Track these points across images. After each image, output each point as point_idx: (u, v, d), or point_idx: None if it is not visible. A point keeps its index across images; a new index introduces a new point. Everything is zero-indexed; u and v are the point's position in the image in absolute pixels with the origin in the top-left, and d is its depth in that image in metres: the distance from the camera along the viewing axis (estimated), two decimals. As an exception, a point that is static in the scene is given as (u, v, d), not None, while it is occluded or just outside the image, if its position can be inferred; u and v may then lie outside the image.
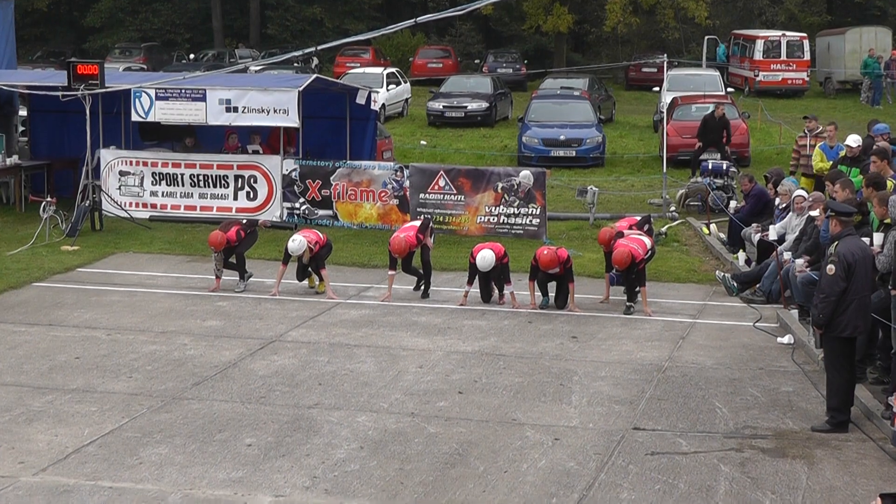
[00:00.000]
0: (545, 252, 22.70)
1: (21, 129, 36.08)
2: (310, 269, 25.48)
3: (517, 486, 15.36)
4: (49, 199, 30.88)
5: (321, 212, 31.85)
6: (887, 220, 18.46)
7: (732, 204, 29.96)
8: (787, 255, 22.63)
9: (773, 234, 24.41)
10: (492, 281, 24.15)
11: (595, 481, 15.46)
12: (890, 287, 17.30)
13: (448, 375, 19.49)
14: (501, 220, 30.00)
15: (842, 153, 28.79)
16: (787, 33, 67.04)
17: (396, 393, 18.77)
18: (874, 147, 25.68)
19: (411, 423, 17.44)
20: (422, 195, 31.17)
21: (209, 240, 24.25)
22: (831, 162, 28.63)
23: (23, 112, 36.17)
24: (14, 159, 34.29)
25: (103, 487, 15.46)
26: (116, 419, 17.96)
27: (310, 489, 15.36)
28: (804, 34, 67.41)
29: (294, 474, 15.81)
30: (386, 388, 18.95)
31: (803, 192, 24.35)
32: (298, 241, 24.64)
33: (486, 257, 22.81)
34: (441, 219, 30.72)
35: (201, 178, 32.13)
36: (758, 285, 23.82)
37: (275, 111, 31.86)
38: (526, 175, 30.86)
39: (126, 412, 18.22)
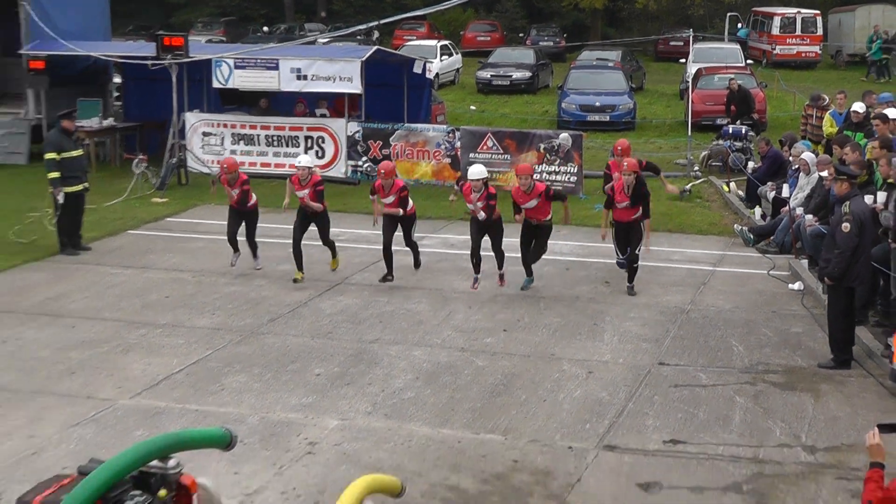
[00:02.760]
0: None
1: (115, 94, 36.15)
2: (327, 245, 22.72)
3: (555, 413, 15.52)
4: (141, 156, 31.00)
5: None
6: (890, 180, 18.50)
7: (750, 164, 29.76)
8: (798, 211, 22.62)
9: (786, 191, 24.37)
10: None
11: (624, 410, 15.60)
12: (890, 241, 17.37)
13: (494, 315, 19.56)
14: (543, 178, 29.75)
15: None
16: (802, 10, 66.36)
17: (448, 330, 18.86)
18: (875, 112, 25.82)
19: (461, 356, 17.57)
20: (471, 154, 31.09)
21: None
22: (838, 125, 28.62)
23: (117, 79, 36.21)
24: (110, 121, 34.49)
25: (190, 410, 15.70)
26: (201, 351, 18.17)
27: (371, 414, 15.60)
28: (818, 11, 66.91)
29: (357, 401, 16.03)
30: (438, 326, 19.05)
31: (811, 156, 24.27)
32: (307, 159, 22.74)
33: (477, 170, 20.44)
34: (489, 175, 30.44)
35: (275, 138, 32.19)
36: (772, 237, 23.75)
37: (340, 79, 31.92)
38: (565, 137, 30.85)
39: (210, 344, 18.43)
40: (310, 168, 22.08)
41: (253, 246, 22.76)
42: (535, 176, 29.62)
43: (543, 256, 22.71)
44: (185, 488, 11.35)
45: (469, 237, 20.81)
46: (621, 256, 18.92)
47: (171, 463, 11.40)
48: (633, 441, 14.65)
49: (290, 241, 22.16)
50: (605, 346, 18.31)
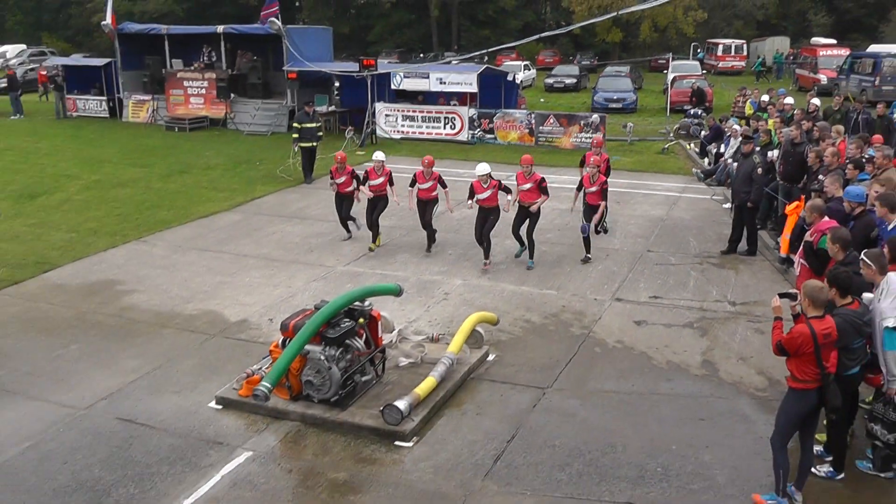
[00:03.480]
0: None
1: (336, 92, 36.23)
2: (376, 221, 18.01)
3: (587, 278, 15.57)
4: (350, 127, 31.26)
5: (487, 136, 31.68)
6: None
7: (702, 133, 29.45)
8: (729, 161, 22.24)
9: (723, 149, 24.04)
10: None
11: (626, 278, 15.57)
12: (778, 178, 17.81)
13: (552, 220, 19.35)
14: (582, 140, 29.66)
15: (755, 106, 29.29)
16: (735, 40, 66.98)
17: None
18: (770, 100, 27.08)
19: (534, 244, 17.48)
20: (541, 127, 30.86)
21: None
22: (754, 109, 28.50)
23: (336, 84, 36.29)
24: (332, 108, 34.70)
25: (377, 273, 15.88)
26: (384, 239, 18.22)
27: (481, 277, 15.73)
28: (744, 40, 67.36)
29: (473, 269, 16.13)
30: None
31: (736, 127, 23.97)
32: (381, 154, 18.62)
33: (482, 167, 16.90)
34: (550, 140, 30.54)
35: (428, 117, 32.14)
36: (713, 176, 23.42)
37: (464, 84, 31.78)
38: (596, 117, 30.57)
39: (389, 235, 18.53)
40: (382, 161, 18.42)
41: (349, 218, 18.61)
42: (573, 140, 29.69)
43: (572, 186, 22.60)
44: (373, 318, 11.56)
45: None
46: (585, 223, 16.82)
47: (366, 303, 11.60)
48: (631, 296, 14.65)
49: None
50: (616, 240, 18.15)
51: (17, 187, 24.75)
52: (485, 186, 16.36)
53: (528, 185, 16.34)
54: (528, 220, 16.48)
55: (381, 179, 17.94)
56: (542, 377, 11.55)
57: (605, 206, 17.02)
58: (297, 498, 8.97)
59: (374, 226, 17.88)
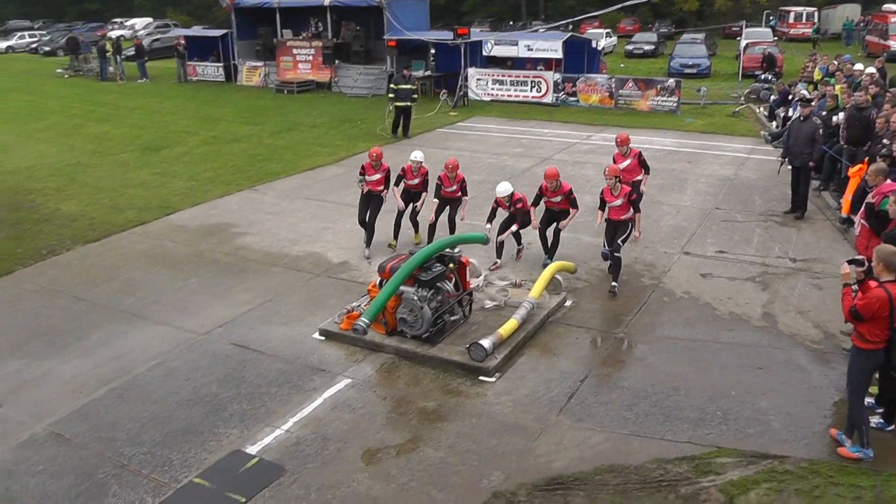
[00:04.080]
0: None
1: (432, 58, 36.08)
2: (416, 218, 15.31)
3: (658, 232, 15.38)
4: (444, 90, 31.26)
5: (570, 99, 31.24)
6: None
7: (772, 97, 28.60)
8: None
9: (791, 112, 23.38)
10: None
11: (695, 233, 15.35)
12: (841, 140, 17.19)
13: (628, 179, 19.22)
14: (658, 103, 29.18)
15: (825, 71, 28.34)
16: (806, 8, 63.93)
17: (602, 185, 18.04)
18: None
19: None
20: (620, 91, 30.23)
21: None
22: (822, 74, 27.74)
23: (433, 50, 36.10)
24: (428, 72, 34.54)
25: (466, 223, 15.71)
26: (473, 192, 18.04)
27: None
28: (815, 8, 64.27)
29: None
30: (598, 184, 18.07)
31: (804, 92, 23.22)
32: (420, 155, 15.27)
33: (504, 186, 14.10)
34: (628, 103, 29.96)
35: (516, 81, 31.75)
36: (780, 138, 22.81)
37: (550, 50, 31.29)
38: (671, 81, 29.88)
39: (477, 189, 18.45)
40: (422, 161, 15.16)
41: (372, 228, 14.73)
42: (650, 103, 29.11)
43: (651, 146, 22.29)
44: (462, 263, 11.64)
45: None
46: (606, 248, 13.32)
47: (456, 250, 11.68)
48: (699, 250, 14.44)
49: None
50: (687, 197, 17.85)
51: (144, 141, 25.58)
52: (508, 204, 13.95)
53: (557, 199, 13.80)
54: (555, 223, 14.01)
55: (417, 180, 14.98)
56: (614, 323, 11.57)
57: (637, 220, 13.18)
58: (391, 422, 9.19)
59: (414, 223, 15.22)
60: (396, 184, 14.89)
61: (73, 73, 45.40)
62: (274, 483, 8.19)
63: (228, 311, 12.43)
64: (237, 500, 7.96)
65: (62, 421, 9.64)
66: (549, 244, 13.96)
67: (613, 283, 12.72)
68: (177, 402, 9.89)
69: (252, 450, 8.80)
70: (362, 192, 14.75)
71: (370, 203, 14.73)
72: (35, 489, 8.40)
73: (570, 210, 13.67)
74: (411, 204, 15.09)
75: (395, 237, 14.91)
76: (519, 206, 13.73)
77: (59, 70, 46.22)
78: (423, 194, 15.05)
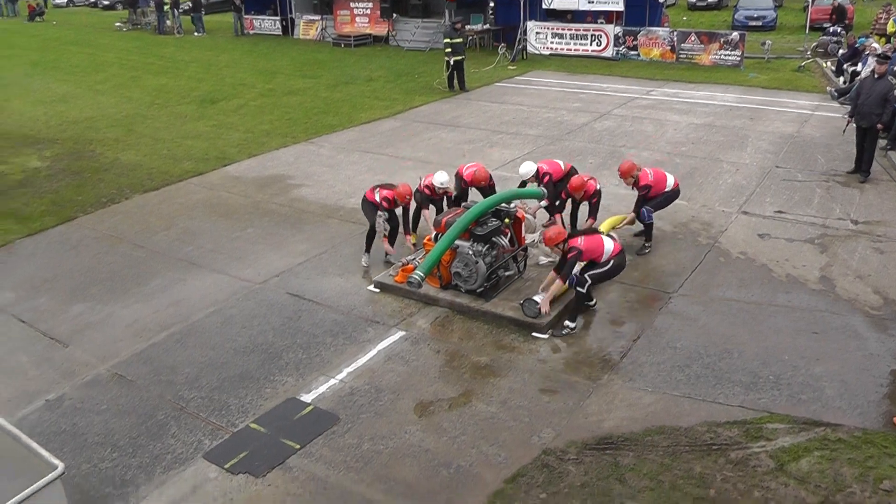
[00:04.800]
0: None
1: (490, 11, 35.66)
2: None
3: (716, 191, 15.20)
4: (502, 44, 30.97)
5: (631, 52, 30.71)
6: None
7: (840, 51, 27.87)
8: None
9: (860, 67, 22.81)
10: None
11: (754, 192, 15.12)
12: None
13: (688, 134, 18.96)
14: (720, 58, 28.63)
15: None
16: None
17: (661, 142, 18.38)
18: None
19: (668, 157, 17.11)
20: (682, 44, 29.68)
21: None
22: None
23: (490, 3, 35.67)
24: (486, 26, 34.18)
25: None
26: (530, 147, 18.26)
27: (618, 185, 14.89)
28: None
29: (611, 178, 15.59)
30: (657, 140, 18.54)
31: (875, 46, 22.62)
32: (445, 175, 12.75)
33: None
34: (690, 57, 29.46)
35: (576, 35, 31.26)
36: (848, 95, 22.30)
37: (611, 2, 30.47)
38: (736, 35, 29.24)
39: (534, 143, 18.49)
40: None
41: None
42: (712, 57, 28.60)
43: (713, 102, 21.94)
44: (518, 218, 11.67)
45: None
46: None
47: (512, 205, 11.72)
48: (757, 210, 14.25)
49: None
50: (747, 154, 17.54)
51: (201, 94, 25.95)
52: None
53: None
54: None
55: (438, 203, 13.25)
56: (668, 282, 11.52)
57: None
58: (444, 376, 9.34)
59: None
60: (426, 206, 13.11)
61: (131, 27, 46.04)
62: (328, 431, 8.41)
63: (284, 262, 12.67)
64: (292, 447, 8.20)
65: (124, 363, 10.03)
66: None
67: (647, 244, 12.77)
68: (234, 349, 10.17)
69: (307, 398, 9.04)
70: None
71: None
72: (99, 426, 8.78)
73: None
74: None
75: (414, 230, 13.06)
76: (546, 180, 13.09)
77: (117, 24, 46.84)
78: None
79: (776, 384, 8.95)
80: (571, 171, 13.33)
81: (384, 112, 22.49)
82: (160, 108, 24.18)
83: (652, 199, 12.52)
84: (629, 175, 12.44)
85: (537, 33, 32.05)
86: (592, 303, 10.78)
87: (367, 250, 12.30)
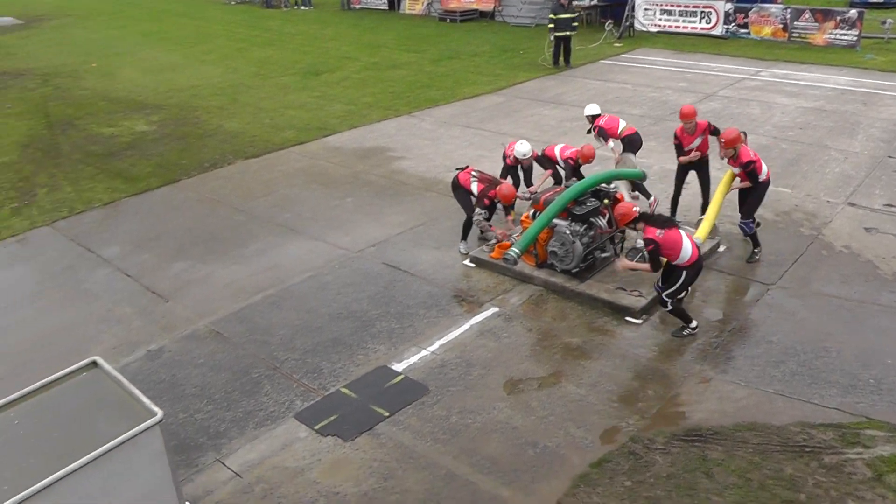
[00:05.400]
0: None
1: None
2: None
3: (822, 180, 14.71)
4: (609, 20, 30.47)
5: (742, 31, 29.87)
6: None
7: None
8: None
9: None
10: None
11: (862, 182, 14.57)
12: None
13: (796, 118, 18.37)
14: (836, 37, 27.69)
15: None
16: None
17: (767, 126, 17.87)
18: None
19: (773, 140, 16.67)
20: (795, 22, 28.82)
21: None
22: None
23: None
24: (593, 1, 33.50)
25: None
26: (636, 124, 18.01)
27: (719, 170, 14.51)
28: None
29: (713, 162, 15.48)
30: (763, 123, 18.01)
31: None
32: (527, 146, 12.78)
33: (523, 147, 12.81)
34: (803, 36, 28.56)
35: (685, 11, 30.56)
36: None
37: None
38: (853, 13, 28.19)
39: (637, 123, 17.91)
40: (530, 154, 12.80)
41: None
42: (826, 37, 27.67)
43: (823, 84, 21.31)
44: (616, 199, 11.58)
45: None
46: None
47: (612, 185, 11.63)
48: (865, 202, 13.74)
49: None
50: (857, 142, 16.87)
51: (304, 66, 26.34)
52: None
53: (697, 141, 12.43)
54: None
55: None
56: (767, 273, 11.27)
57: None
58: (535, 354, 9.36)
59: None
60: (504, 176, 13.10)
61: (239, 1, 46.67)
62: (417, 402, 8.55)
63: (381, 232, 12.85)
64: (381, 414, 8.36)
65: (221, 321, 10.42)
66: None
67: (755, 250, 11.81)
68: (328, 315, 10.40)
69: (398, 367, 9.20)
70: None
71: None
72: (196, 379, 9.19)
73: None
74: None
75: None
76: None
77: (226, -3, 47.76)
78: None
79: (877, 388, 8.64)
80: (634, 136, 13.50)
81: (487, 87, 22.43)
82: (264, 78, 24.66)
83: (749, 196, 11.52)
84: (731, 146, 11.28)
85: (646, 9, 31.37)
86: (693, 326, 9.81)
87: (465, 238, 12.24)
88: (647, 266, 9.43)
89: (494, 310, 10.36)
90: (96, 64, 27.65)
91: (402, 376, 9.01)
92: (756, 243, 11.77)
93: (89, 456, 6.28)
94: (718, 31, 29.88)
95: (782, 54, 26.37)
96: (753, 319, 10.07)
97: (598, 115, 13.89)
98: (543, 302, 10.54)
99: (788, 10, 29.12)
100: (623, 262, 9.73)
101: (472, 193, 11.98)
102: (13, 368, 9.71)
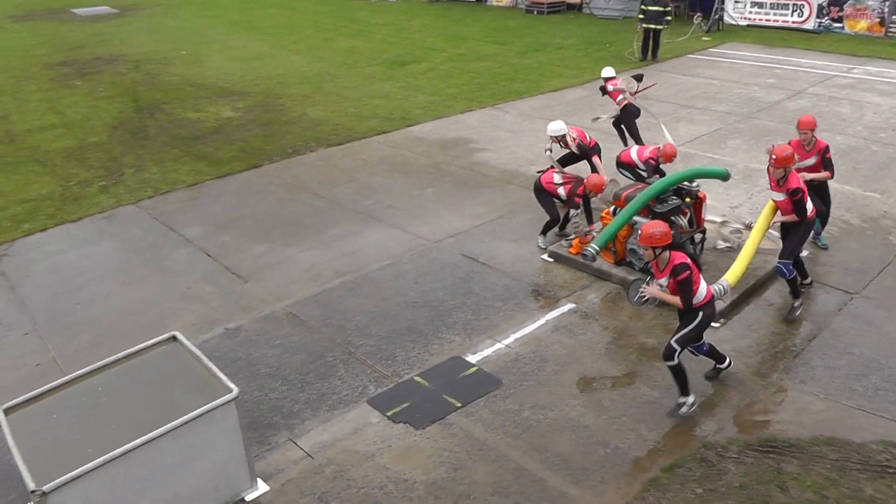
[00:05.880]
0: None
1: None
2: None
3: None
4: (698, 13, 29.86)
5: (835, 25, 28.98)
6: None
7: None
8: None
9: None
10: None
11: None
12: None
13: (889, 119, 17.73)
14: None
15: None
16: None
17: (858, 126, 17.29)
18: None
19: (864, 142, 16.16)
20: (894, 16, 27.84)
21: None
22: None
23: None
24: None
25: (707, 156, 15.45)
26: (717, 124, 17.69)
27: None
28: None
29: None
30: (853, 123, 17.44)
31: None
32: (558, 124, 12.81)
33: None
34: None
35: (776, 4, 29.57)
36: None
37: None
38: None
39: (721, 121, 17.89)
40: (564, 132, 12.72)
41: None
42: None
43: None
44: (699, 198, 11.37)
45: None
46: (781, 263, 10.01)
47: (694, 184, 11.43)
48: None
49: None
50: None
51: (390, 56, 26.48)
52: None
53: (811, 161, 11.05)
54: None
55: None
56: (852, 281, 10.91)
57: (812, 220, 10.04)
58: (610, 353, 9.27)
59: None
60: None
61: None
62: (489, 394, 8.54)
63: (461, 223, 12.87)
64: (453, 404, 8.37)
65: (298, 303, 10.58)
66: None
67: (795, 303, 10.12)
68: (404, 303, 10.45)
69: (472, 359, 9.19)
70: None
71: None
72: (272, 359, 9.35)
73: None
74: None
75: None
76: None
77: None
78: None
79: (968, 410, 8.26)
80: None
81: (572, 80, 22.25)
82: (349, 68, 24.86)
83: (792, 232, 9.93)
84: (783, 165, 9.45)
85: (736, 2, 30.64)
86: (725, 364, 8.74)
87: (544, 233, 12.08)
88: (677, 300, 7.91)
89: (571, 306, 10.28)
90: (186, 52, 28.22)
91: (475, 368, 9.01)
92: (795, 293, 10.06)
93: (168, 426, 6.50)
94: (810, 25, 29.00)
95: (877, 50, 25.50)
96: (835, 329, 9.76)
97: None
98: (621, 300, 10.41)
99: (887, 4, 27.75)
100: (652, 290, 8.03)
101: (558, 197, 11.89)
102: (97, 338, 10.05)
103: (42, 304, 11.05)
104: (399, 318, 10.09)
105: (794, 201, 9.51)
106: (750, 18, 30.38)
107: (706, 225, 11.59)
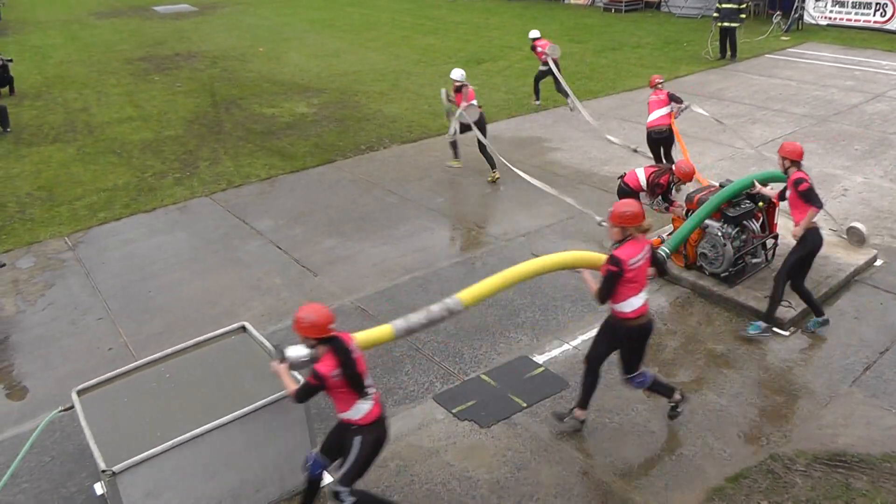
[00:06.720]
0: None
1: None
2: None
3: None
4: (778, 12, 29.10)
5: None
6: None
7: None
8: None
9: None
10: None
11: None
12: None
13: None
14: None
15: None
16: None
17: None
18: None
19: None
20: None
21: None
22: None
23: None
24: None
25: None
26: (793, 126, 17.21)
27: (883, 178, 14.25)
28: None
29: (877, 169, 14.77)
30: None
31: None
32: None
33: None
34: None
35: (859, 3, 28.50)
36: None
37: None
38: None
39: (797, 123, 17.41)
40: None
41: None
42: None
43: None
44: (772, 203, 11.08)
45: None
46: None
47: (768, 188, 11.07)
48: None
49: None
50: None
51: (466, 54, 26.48)
52: None
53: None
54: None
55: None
56: (928, 293, 10.59)
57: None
58: (678, 358, 9.12)
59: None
60: None
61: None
62: (556, 395, 8.48)
63: (532, 222, 12.82)
64: (519, 404, 8.35)
65: (367, 298, 10.67)
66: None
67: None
68: (473, 301, 10.45)
69: (539, 359, 9.15)
70: None
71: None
72: (339, 353, 9.37)
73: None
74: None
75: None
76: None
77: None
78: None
79: None
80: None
81: (647, 81, 21.86)
82: (426, 65, 24.93)
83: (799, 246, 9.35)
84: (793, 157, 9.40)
85: (816, 1, 29.87)
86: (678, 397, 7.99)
87: None
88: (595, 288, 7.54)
89: (640, 309, 10.16)
90: (263, 49, 28.62)
91: (542, 368, 8.96)
92: (817, 313, 9.61)
93: (236, 413, 6.61)
94: (894, 25, 28.03)
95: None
96: (911, 342, 9.48)
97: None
98: (690, 305, 10.26)
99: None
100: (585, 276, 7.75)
101: (640, 189, 11.44)
102: (168, 325, 10.27)
103: (115, 291, 11.33)
104: (467, 316, 10.03)
105: (800, 192, 9.27)
106: (830, 18, 29.49)
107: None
